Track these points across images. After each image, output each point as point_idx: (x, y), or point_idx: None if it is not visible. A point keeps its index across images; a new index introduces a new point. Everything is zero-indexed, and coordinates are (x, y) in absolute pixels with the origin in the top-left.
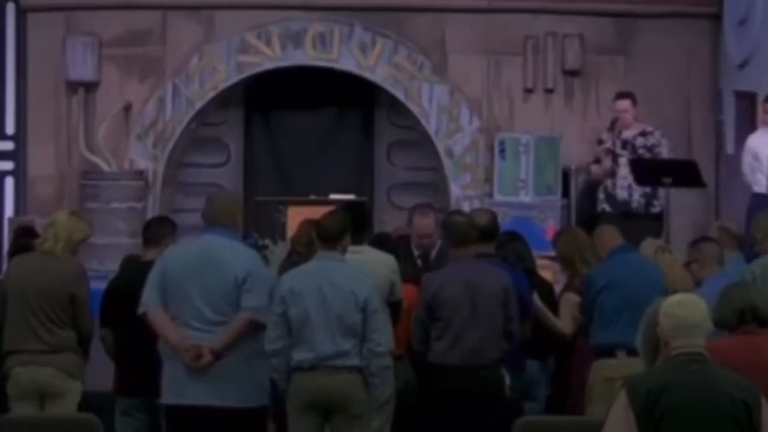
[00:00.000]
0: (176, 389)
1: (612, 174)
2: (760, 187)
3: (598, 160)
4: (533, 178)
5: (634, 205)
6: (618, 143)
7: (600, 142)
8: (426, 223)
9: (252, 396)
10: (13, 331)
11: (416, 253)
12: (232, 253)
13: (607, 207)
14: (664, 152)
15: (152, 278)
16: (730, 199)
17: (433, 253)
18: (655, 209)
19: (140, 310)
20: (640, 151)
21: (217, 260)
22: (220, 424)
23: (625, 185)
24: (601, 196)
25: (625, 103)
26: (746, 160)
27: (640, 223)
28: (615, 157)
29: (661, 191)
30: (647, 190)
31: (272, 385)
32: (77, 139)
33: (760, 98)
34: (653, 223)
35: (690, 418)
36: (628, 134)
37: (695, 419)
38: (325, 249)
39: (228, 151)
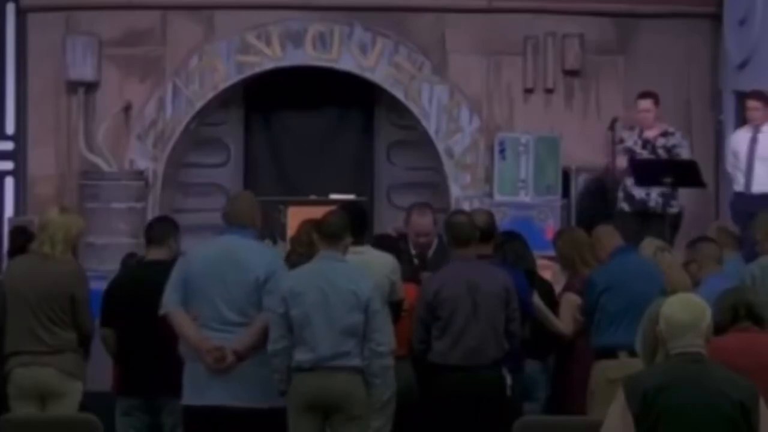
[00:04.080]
0: (197, 390)
1: (630, 173)
2: (739, 186)
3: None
4: (533, 178)
5: (652, 204)
6: (639, 142)
7: (621, 140)
8: (424, 222)
9: (269, 396)
10: (14, 333)
11: (413, 251)
12: (253, 254)
13: (626, 206)
14: (685, 153)
15: (173, 279)
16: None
17: (430, 252)
18: (673, 209)
19: (161, 311)
20: (659, 151)
21: (239, 261)
22: (238, 425)
23: None
24: (621, 195)
25: (647, 103)
26: (728, 158)
27: (657, 223)
28: (634, 156)
29: (680, 191)
30: (666, 189)
31: None
32: (77, 139)
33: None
34: (670, 222)
35: (687, 418)
36: (649, 134)
37: (692, 419)
38: (328, 248)
39: (228, 151)
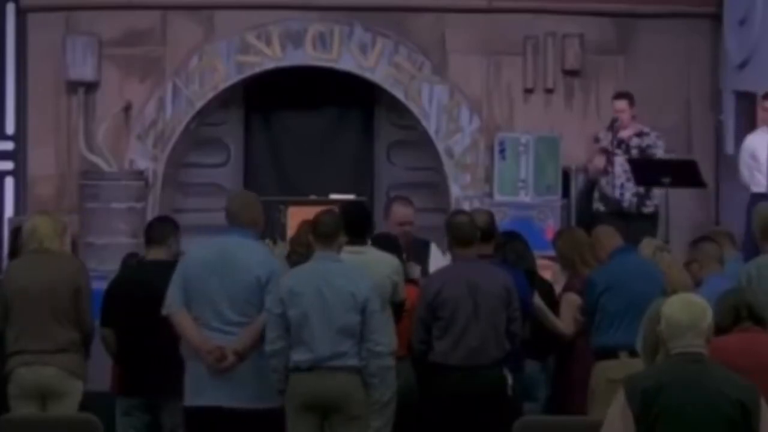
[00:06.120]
0: (198, 390)
1: (606, 173)
2: (759, 188)
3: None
4: (533, 178)
5: (626, 204)
6: (614, 142)
7: (597, 140)
8: (406, 211)
9: (269, 396)
10: (17, 332)
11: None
12: (254, 254)
13: (601, 207)
14: (659, 154)
15: (175, 279)
16: (730, 199)
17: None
18: (648, 209)
19: (164, 311)
20: (633, 151)
21: (239, 261)
22: (239, 425)
23: (617, 184)
24: (596, 195)
25: (622, 103)
26: (744, 160)
27: (633, 223)
28: (609, 156)
29: (656, 191)
30: (640, 189)
31: None
32: (77, 139)
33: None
34: (646, 223)
35: (686, 417)
36: (624, 134)
37: (691, 419)
38: (323, 248)
39: (228, 151)
